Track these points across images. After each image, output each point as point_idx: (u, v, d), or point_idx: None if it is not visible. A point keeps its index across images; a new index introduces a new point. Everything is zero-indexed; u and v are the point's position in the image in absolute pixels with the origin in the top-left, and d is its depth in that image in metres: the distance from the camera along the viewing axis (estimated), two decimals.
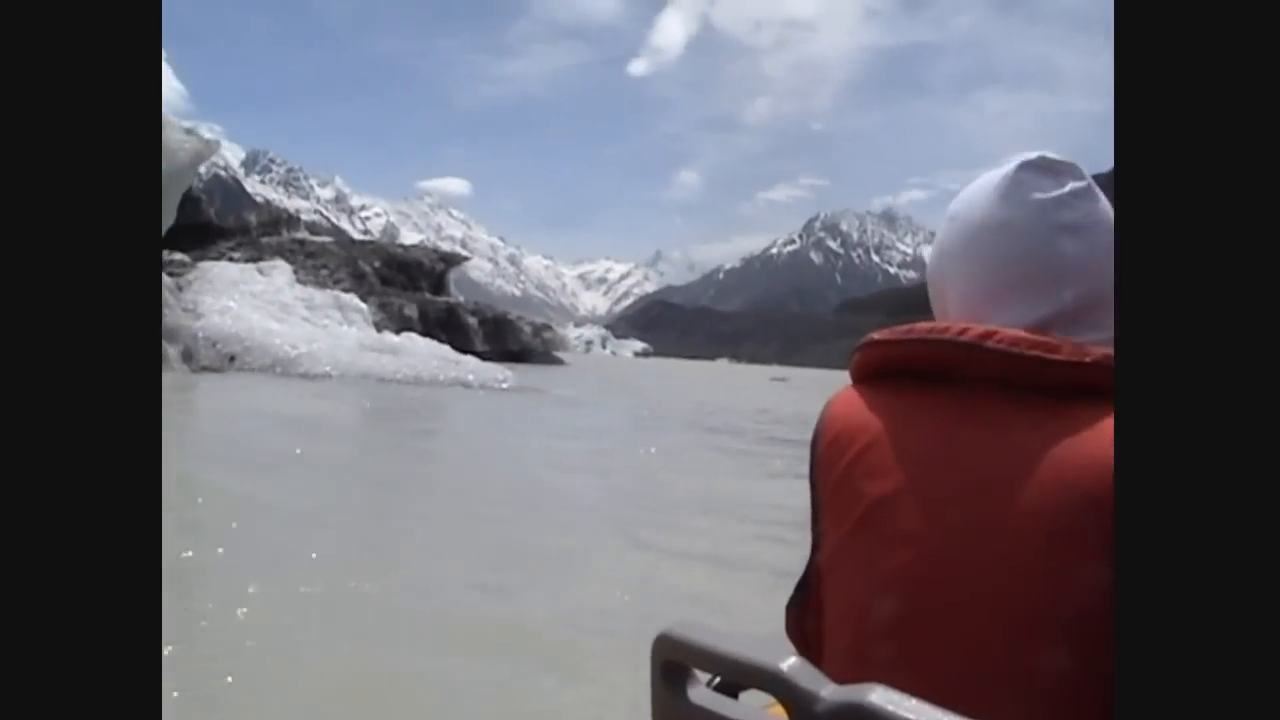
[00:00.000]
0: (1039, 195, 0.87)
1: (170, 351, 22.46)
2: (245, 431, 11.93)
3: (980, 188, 0.92)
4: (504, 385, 26.02)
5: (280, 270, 37.46)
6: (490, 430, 15.61)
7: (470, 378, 26.25)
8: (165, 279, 24.37)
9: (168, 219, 22.54)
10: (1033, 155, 0.89)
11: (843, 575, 0.86)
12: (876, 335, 0.90)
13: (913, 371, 0.87)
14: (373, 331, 32.59)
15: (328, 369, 25.08)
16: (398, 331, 33.38)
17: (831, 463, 0.89)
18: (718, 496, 9.07)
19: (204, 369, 23.48)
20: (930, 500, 0.81)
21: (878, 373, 0.91)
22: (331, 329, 30.79)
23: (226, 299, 30.19)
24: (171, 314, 23.48)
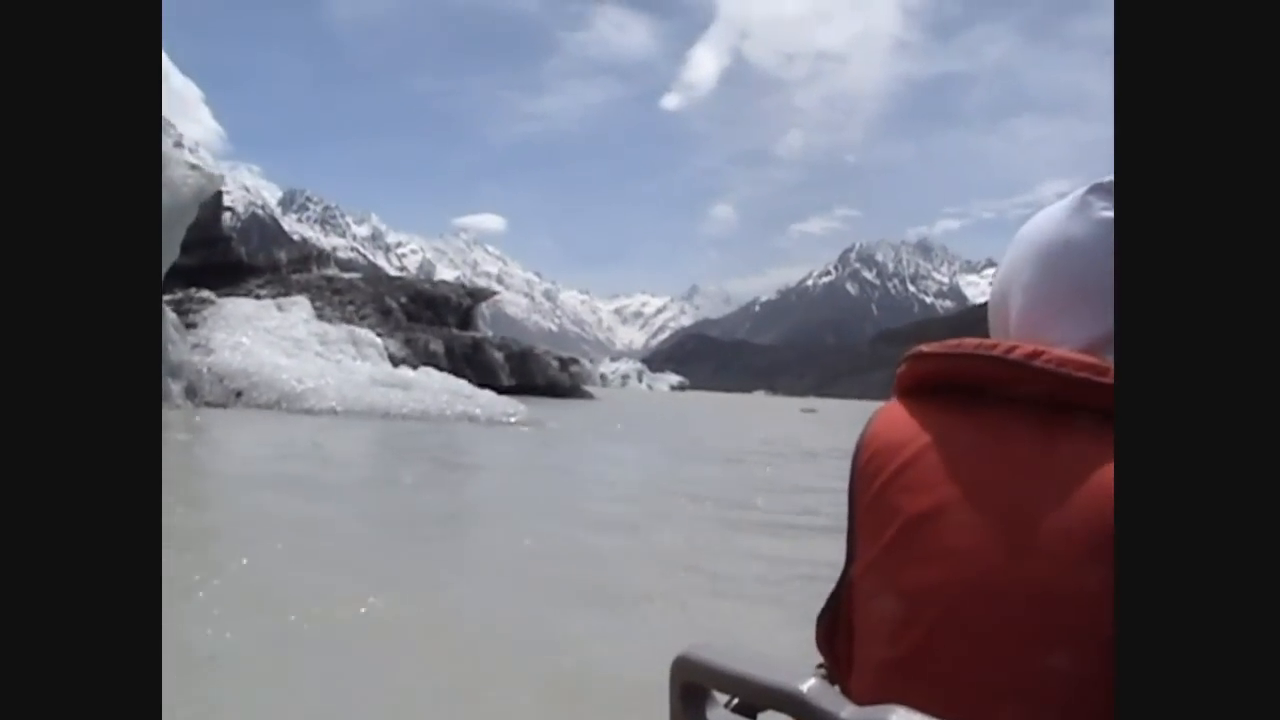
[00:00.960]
0: (1104, 214, 0.86)
1: (173, 387, 22.20)
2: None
3: (1050, 211, 0.92)
4: (512, 420, 25.47)
5: (299, 306, 37.43)
6: (465, 469, 15.09)
7: (478, 412, 25.73)
8: (171, 315, 24.16)
9: (170, 255, 22.34)
10: (1105, 179, 0.88)
11: (874, 591, 0.85)
12: (925, 348, 0.89)
13: (958, 387, 0.85)
14: (386, 366, 32.26)
15: (333, 404, 24.69)
16: (416, 367, 33.01)
17: (870, 478, 0.87)
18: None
19: (208, 404, 23.20)
20: (966, 519, 0.79)
21: (923, 386, 0.89)
22: (344, 364, 30.49)
23: (240, 334, 30.08)
24: (176, 350, 23.26)
